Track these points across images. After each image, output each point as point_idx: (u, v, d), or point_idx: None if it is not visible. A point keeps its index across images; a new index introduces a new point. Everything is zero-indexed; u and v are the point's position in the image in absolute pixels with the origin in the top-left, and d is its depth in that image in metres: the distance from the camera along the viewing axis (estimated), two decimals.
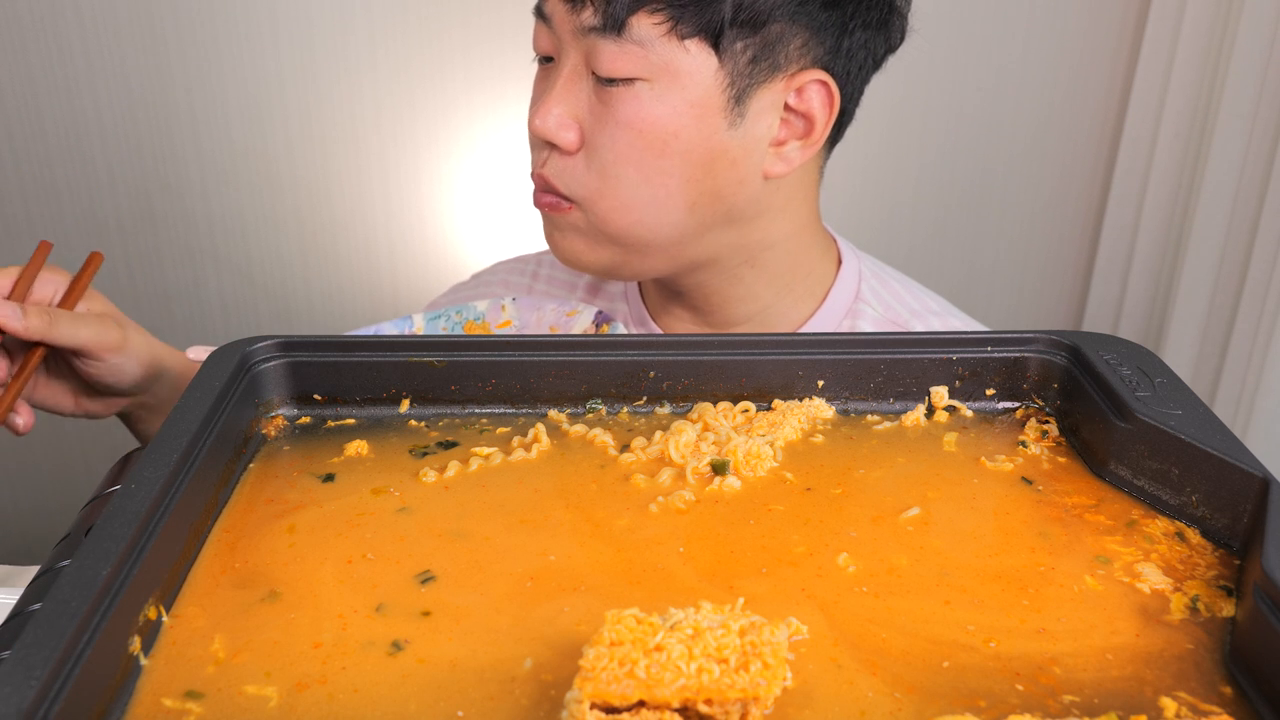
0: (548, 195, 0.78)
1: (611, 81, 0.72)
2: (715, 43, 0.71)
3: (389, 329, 0.81)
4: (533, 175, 0.79)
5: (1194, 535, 0.49)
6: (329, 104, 1.58)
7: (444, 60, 1.56)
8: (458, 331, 0.83)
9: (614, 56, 0.71)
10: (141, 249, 1.65)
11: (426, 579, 0.47)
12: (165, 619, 0.44)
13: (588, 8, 0.71)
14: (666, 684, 0.37)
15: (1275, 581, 0.40)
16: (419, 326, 0.83)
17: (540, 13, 0.76)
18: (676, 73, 0.71)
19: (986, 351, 0.60)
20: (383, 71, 1.56)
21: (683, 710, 0.37)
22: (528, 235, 1.68)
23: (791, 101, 0.75)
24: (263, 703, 0.40)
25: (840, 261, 0.87)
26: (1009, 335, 0.60)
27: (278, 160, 1.61)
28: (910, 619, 0.44)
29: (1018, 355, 0.60)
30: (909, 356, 0.60)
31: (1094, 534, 0.50)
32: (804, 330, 0.85)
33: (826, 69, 0.75)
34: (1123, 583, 0.46)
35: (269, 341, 0.59)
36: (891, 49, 0.79)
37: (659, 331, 0.89)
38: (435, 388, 0.60)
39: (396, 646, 0.42)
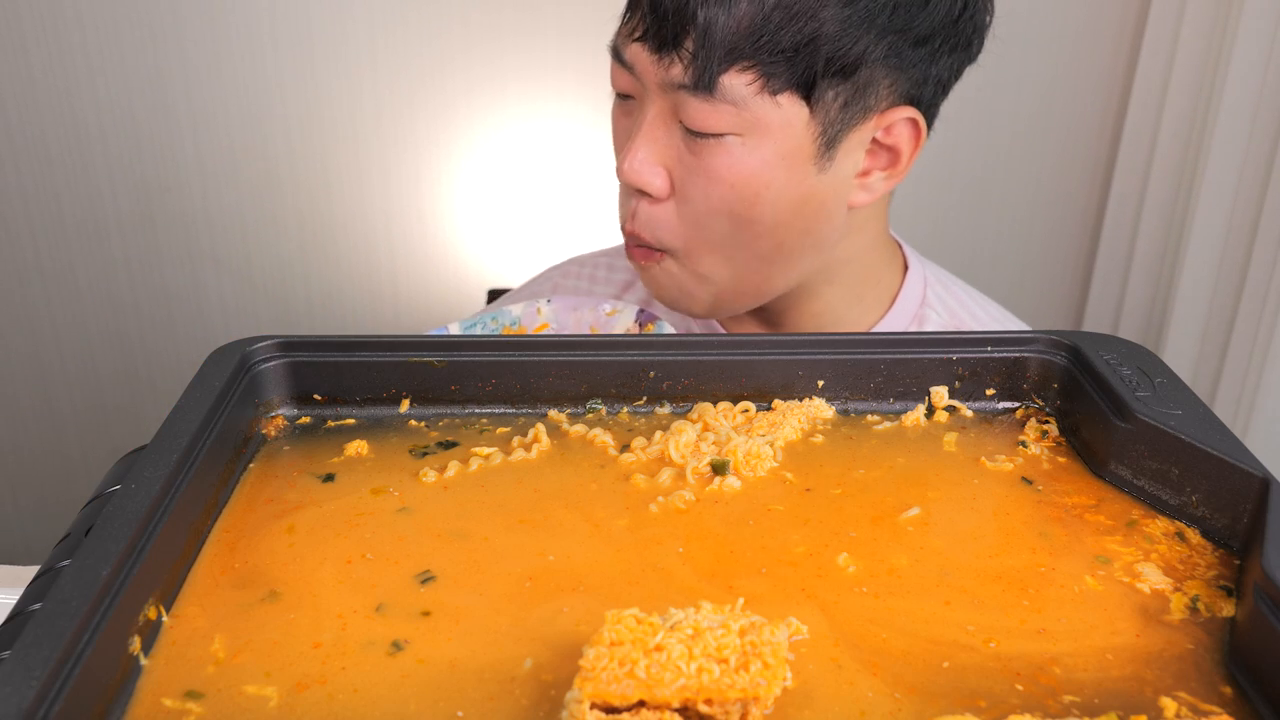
0: (640, 248, 0.78)
1: (702, 134, 0.71)
2: (807, 95, 0.70)
3: None
4: (623, 230, 0.78)
5: (1194, 535, 0.49)
6: (329, 104, 1.58)
7: (444, 60, 1.56)
8: None
9: (705, 113, 0.70)
10: (141, 250, 1.65)
11: (426, 579, 0.47)
12: (165, 619, 0.44)
13: (676, 64, 0.69)
14: (666, 684, 0.37)
15: (1275, 581, 0.40)
16: None
17: (619, 57, 0.74)
18: (769, 127, 0.70)
19: (986, 351, 0.60)
20: (383, 71, 1.56)
21: (683, 710, 0.37)
22: (528, 235, 1.68)
23: (879, 136, 0.74)
24: (263, 703, 0.40)
25: (906, 267, 0.88)
26: (1009, 335, 0.60)
27: (278, 160, 1.61)
28: (910, 619, 0.44)
29: (1018, 355, 0.60)
30: (909, 356, 0.60)
31: (1094, 534, 0.50)
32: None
33: (914, 102, 0.74)
34: (1123, 583, 0.46)
35: (269, 341, 0.59)
36: (971, 61, 0.78)
37: (723, 333, 0.89)
38: (435, 388, 0.60)
39: (396, 646, 0.42)
